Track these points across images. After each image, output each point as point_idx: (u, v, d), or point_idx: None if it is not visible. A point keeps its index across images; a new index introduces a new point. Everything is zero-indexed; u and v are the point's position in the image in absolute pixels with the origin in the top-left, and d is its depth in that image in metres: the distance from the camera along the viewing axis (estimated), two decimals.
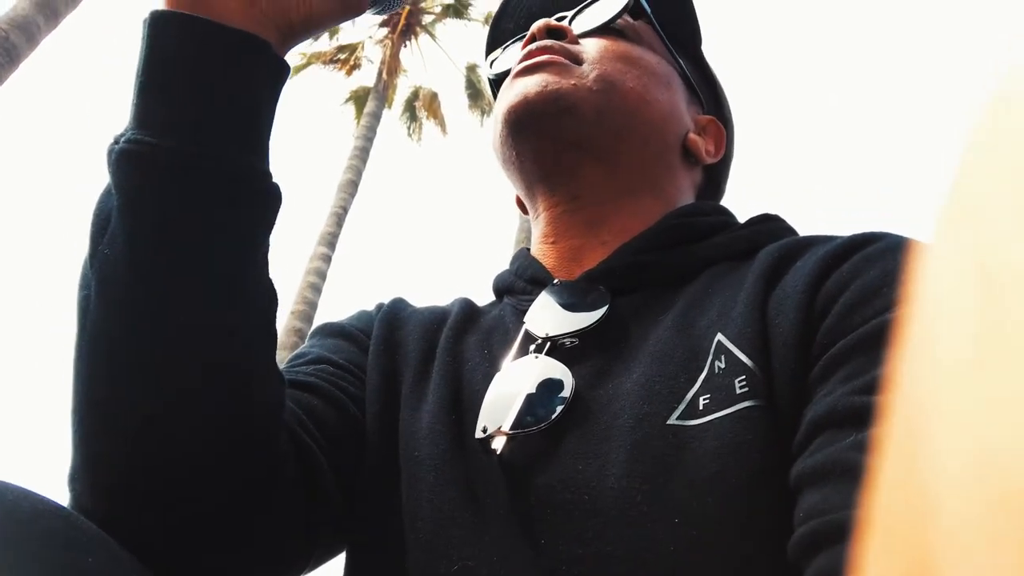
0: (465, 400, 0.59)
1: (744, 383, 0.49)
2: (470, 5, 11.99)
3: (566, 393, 0.54)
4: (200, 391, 0.49)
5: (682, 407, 0.50)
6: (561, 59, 0.68)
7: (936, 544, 0.12)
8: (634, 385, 0.53)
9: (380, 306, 0.73)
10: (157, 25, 0.49)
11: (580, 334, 0.59)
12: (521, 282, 0.70)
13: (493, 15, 0.85)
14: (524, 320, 0.63)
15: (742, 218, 0.70)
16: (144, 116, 0.48)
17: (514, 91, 0.68)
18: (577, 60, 0.69)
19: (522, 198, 0.76)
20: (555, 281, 0.66)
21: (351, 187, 10.10)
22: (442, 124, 12.37)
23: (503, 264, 0.77)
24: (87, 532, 0.44)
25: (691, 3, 0.79)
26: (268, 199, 0.52)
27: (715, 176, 0.79)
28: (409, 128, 12.50)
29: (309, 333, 0.73)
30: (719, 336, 0.53)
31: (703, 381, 0.51)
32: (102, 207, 0.50)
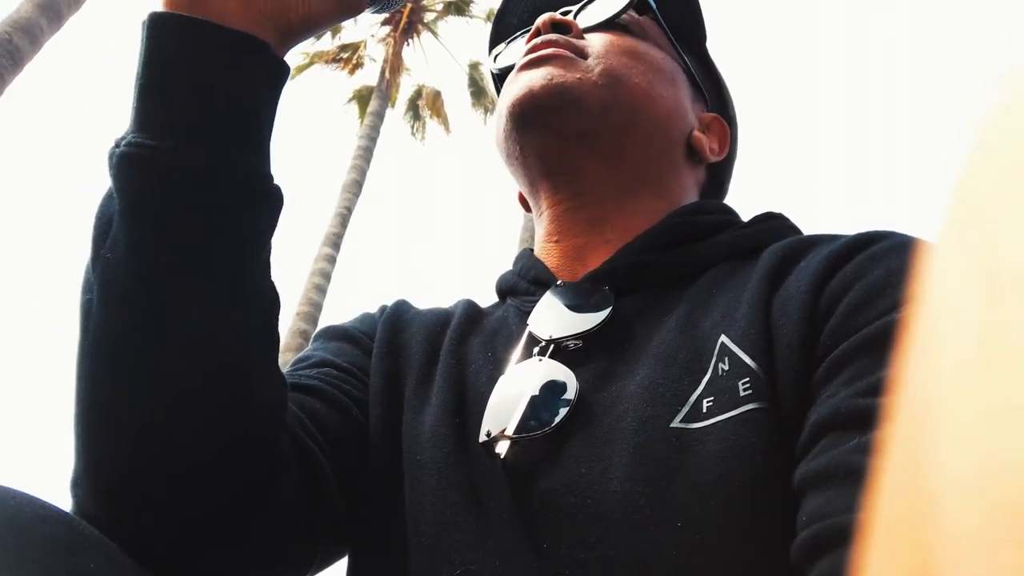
0: (469, 403, 0.59)
1: (748, 385, 0.49)
2: (472, 2, 11.99)
3: (570, 396, 0.54)
4: (201, 393, 0.49)
5: (686, 410, 0.50)
6: (566, 52, 0.68)
7: (940, 548, 0.12)
8: (638, 388, 0.53)
9: (383, 308, 0.73)
10: (155, 27, 0.49)
11: (584, 336, 0.59)
12: (524, 283, 0.69)
13: (496, 10, 0.85)
14: (528, 322, 0.62)
15: (745, 217, 0.70)
16: (144, 118, 0.48)
17: (519, 84, 0.68)
18: (582, 54, 0.69)
19: (525, 195, 0.76)
20: (558, 282, 0.66)
21: (355, 187, 10.11)
22: (445, 123, 12.38)
23: (508, 263, 0.76)
24: (89, 537, 0.44)
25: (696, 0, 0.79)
26: (269, 201, 0.51)
27: (718, 175, 0.79)
28: (413, 127, 12.52)
29: (312, 336, 0.73)
30: (723, 337, 0.53)
31: (707, 383, 0.51)
32: (104, 210, 0.50)
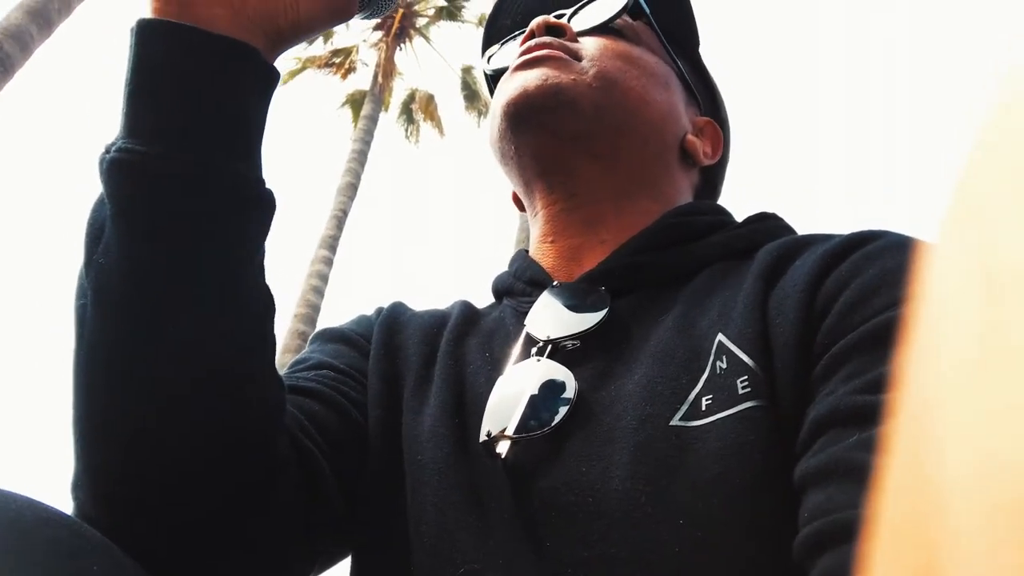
0: (468, 404, 0.59)
1: (746, 383, 0.49)
2: (463, 7, 12.00)
3: (569, 395, 0.54)
4: (194, 397, 0.49)
5: (685, 408, 0.50)
6: (561, 54, 0.68)
7: (943, 545, 0.12)
8: (636, 386, 0.53)
9: (380, 310, 0.73)
10: (144, 33, 0.49)
11: (581, 336, 0.59)
12: (520, 284, 0.69)
13: (489, 12, 0.85)
14: (525, 323, 0.63)
15: (740, 217, 0.70)
16: (133, 124, 0.48)
17: (513, 84, 0.68)
18: (577, 56, 0.69)
19: (520, 195, 0.76)
20: (555, 283, 0.66)
21: (350, 190, 10.10)
22: (439, 126, 12.37)
23: (504, 264, 0.77)
24: (91, 540, 0.44)
25: (689, 4, 0.79)
26: (260, 206, 0.51)
27: (711, 178, 0.79)
28: (406, 130, 12.51)
29: (309, 338, 0.73)
30: (720, 336, 0.53)
31: (705, 381, 0.51)
32: (96, 216, 0.50)
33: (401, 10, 11.78)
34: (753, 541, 0.45)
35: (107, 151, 0.48)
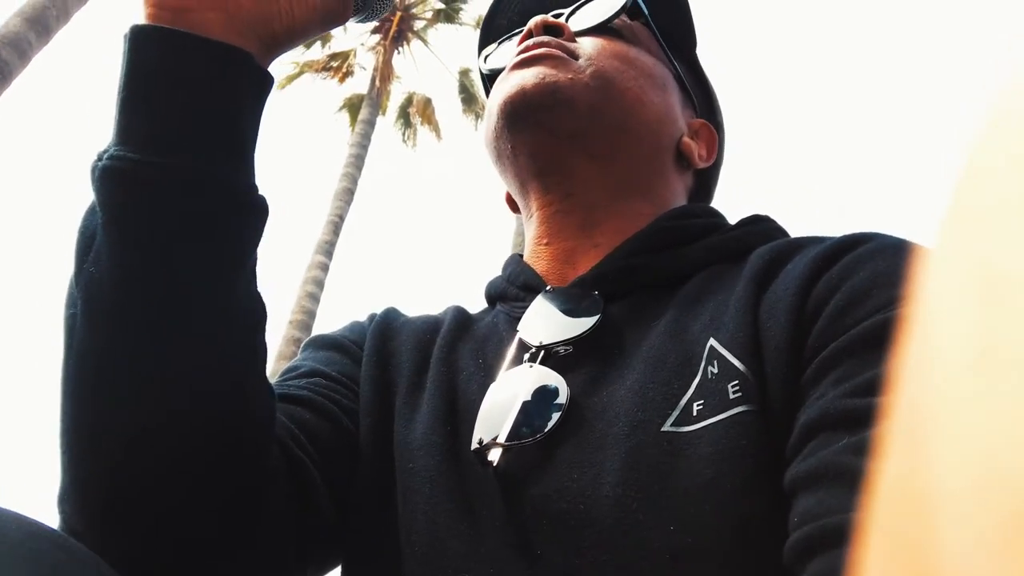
0: (460, 411, 0.59)
1: (737, 388, 0.49)
2: (461, 10, 12.04)
3: (561, 401, 0.54)
4: (184, 408, 0.48)
5: (676, 413, 0.50)
6: (559, 53, 0.68)
7: (934, 549, 0.12)
8: (628, 392, 0.53)
9: (372, 316, 0.73)
10: (137, 39, 0.49)
11: (574, 342, 0.59)
12: (514, 289, 0.69)
13: (486, 12, 0.84)
14: (518, 328, 0.62)
15: (734, 219, 0.70)
16: (126, 131, 0.48)
17: (510, 83, 0.68)
18: (574, 56, 0.69)
19: (514, 196, 0.75)
20: (548, 288, 0.66)
21: (347, 195, 10.12)
22: (436, 129, 12.40)
23: (499, 268, 0.76)
24: (77, 554, 0.43)
25: (687, 6, 0.79)
26: (253, 212, 0.51)
27: (705, 181, 0.79)
28: (404, 134, 12.54)
29: (302, 345, 0.73)
30: (712, 341, 0.53)
31: (696, 387, 0.51)
32: (87, 225, 0.50)
33: (399, 13, 11.82)
34: (745, 546, 0.45)
35: (99, 159, 0.48)
